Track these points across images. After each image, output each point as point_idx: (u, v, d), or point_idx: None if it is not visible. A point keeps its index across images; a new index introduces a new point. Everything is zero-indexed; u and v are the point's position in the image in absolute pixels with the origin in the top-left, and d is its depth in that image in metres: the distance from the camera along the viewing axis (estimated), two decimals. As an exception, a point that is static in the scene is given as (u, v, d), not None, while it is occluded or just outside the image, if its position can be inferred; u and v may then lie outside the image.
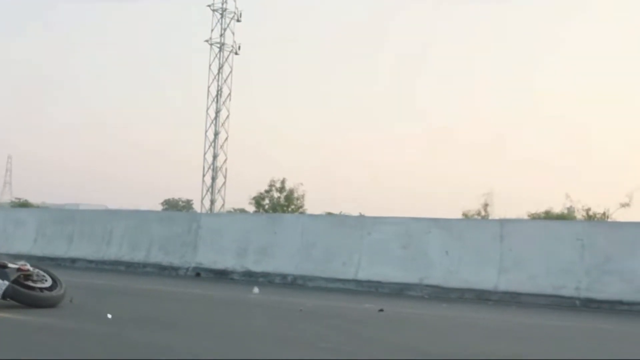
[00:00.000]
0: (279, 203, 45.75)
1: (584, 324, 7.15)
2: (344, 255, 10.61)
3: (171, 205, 79.31)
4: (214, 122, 29.56)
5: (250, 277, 11.18)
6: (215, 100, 29.22)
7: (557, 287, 9.12)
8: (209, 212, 28.07)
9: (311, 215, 14.81)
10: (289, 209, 45.21)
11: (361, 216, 14.60)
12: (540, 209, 48.21)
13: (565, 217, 43.26)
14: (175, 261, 11.96)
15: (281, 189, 45.83)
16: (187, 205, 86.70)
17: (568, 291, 9.04)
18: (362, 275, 10.33)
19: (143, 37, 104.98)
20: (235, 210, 45.33)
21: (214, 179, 29.80)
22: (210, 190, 29.80)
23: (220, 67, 29.27)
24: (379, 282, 10.14)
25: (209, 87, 29.33)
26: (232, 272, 11.37)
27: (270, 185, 45.70)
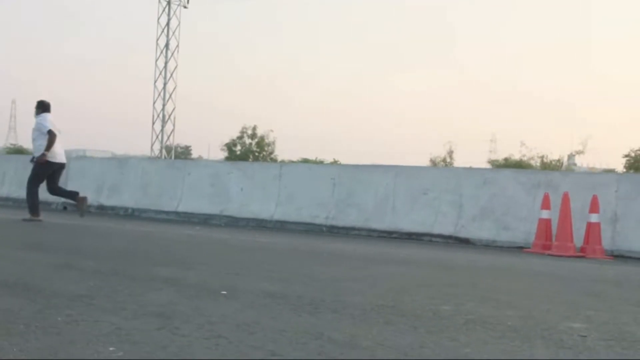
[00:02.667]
0: (250, 149, 47.94)
1: (298, 241, 9.41)
2: (170, 192, 13.03)
3: (169, 151, 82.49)
4: (162, 72, 31.96)
5: (102, 210, 13.67)
6: (164, 52, 31.59)
7: (313, 217, 11.47)
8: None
9: (149, 159, 17.20)
10: (260, 156, 47.51)
11: (184, 159, 16.91)
12: (501, 156, 50.24)
13: (522, 164, 45.22)
14: (50, 197, 14.42)
15: (252, 136, 47.90)
16: (186, 151, 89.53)
17: (320, 220, 11.39)
18: (182, 208, 12.75)
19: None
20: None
21: (163, 126, 32.36)
22: (159, 136, 32.34)
23: (169, 21, 31.50)
24: (192, 214, 12.55)
25: (157, 39, 31.73)
26: (89, 205, 13.82)
27: (242, 132, 47.76)
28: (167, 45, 31.80)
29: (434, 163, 48.91)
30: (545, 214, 9.35)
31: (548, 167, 43.54)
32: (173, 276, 4.74)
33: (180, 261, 5.78)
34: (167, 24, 31.85)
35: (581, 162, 51.98)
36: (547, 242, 9.22)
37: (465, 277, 5.75)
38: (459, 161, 50.49)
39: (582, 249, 9.03)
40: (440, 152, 50.78)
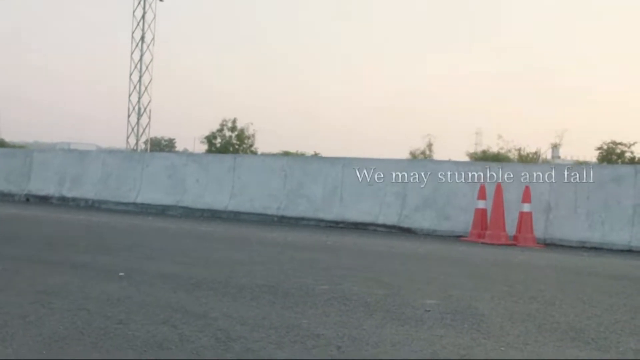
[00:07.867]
0: (230, 142, 48.11)
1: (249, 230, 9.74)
2: (129, 184, 13.31)
3: (154, 143, 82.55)
4: (138, 65, 32.14)
5: (63, 202, 13.93)
6: (139, 45, 31.79)
7: (265, 208, 11.79)
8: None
9: (110, 152, 17.44)
10: (241, 148, 47.72)
11: (142, 152, 17.23)
12: (479, 149, 50.80)
13: (499, 157, 45.71)
14: (14, 189, 14.71)
15: (232, 128, 48.05)
16: (170, 143, 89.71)
17: (272, 210, 11.71)
18: (140, 199, 13.03)
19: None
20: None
21: (138, 119, 32.56)
22: (134, 130, 32.54)
23: (144, 14, 31.69)
24: (149, 205, 12.84)
25: (132, 32, 31.97)
26: (51, 197, 14.11)
27: (222, 125, 47.89)
28: (142, 38, 32.04)
29: (413, 156, 49.24)
30: (481, 204, 9.70)
31: (525, 159, 44.06)
32: (84, 261, 5.05)
33: (102, 248, 6.08)
34: (143, 17, 32.13)
35: (565, 154, 52.62)
36: (483, 231, 9.57)
37: (366, 262, 6.08)
38: (441, 154, 50.97)
39: (514, 238, 9.39)
40: (420, 146, 51.15)
